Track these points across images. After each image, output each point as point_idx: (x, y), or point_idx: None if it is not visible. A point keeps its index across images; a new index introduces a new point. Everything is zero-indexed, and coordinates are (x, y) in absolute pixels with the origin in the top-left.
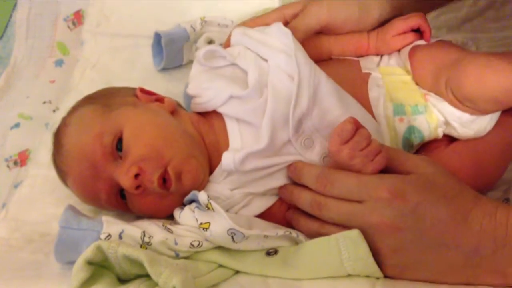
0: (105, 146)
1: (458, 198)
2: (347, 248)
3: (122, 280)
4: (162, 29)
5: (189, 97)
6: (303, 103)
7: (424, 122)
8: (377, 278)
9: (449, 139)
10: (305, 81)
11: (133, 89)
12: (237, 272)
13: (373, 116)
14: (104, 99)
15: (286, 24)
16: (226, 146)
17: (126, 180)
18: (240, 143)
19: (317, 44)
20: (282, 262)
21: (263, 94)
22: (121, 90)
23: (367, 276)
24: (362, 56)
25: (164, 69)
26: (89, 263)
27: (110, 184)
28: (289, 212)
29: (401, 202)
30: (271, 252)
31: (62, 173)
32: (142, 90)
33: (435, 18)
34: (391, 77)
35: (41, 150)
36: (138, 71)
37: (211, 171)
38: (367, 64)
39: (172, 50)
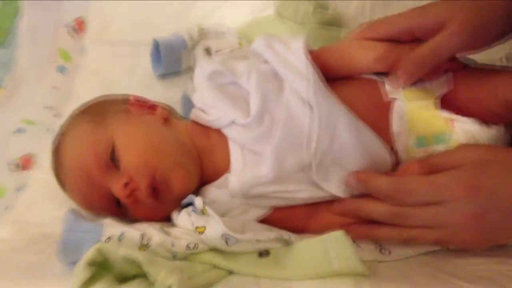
0: (99, 158)
1: None
2: (334, 248)
3: (121, 280)
4: (162, 36)
5: (188, 103)
6: (323, 142)
7: None
8: (364, 276)
9: None
10: (324, 117)
11: (126, 98)
12: (231, 272)
13: (393, 149)
14: (97, 110)
15: (412, 38)
16: (223, 161)
17: (116, 190)
18: (242, 166)
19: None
20: (274, 263)
21: (264, 121)
22: (114, 100)
23: (355, 275)
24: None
25: (162, 76)
26: (90, 264)
27: (106, 193)
28: (359, 228)
29: (477, 193)
30: (263, 254)
31: (61, 182)
32: (136, 99)
33: None
34: (415, 103)
35: (43, 155)
36: (138, 77)
37: (205, 179)
38: (389, 86)
39: (170, 57)
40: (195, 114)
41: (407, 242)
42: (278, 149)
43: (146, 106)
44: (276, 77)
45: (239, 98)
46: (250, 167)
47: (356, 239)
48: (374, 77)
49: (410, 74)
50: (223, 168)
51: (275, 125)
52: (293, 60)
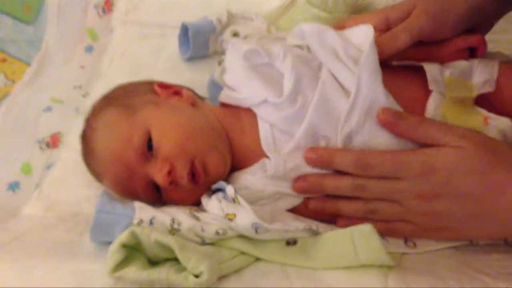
0: (136, 149)
1: (494, 172)
2: (360, 241)
3: (152, 262)
4: (188, 19)
5: (215, 87)
6: (353, 119)
7: None
8: (390, 268)
9: None
10: (361, 98)
11: (150, 84)
12: (258, 259)
13: None
14: (124, 100)
15: (387, 28)
16: (253, 142)
17: (160, 178)
18: (273, 145)
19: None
20: (301, 252)
21: (298, 103)
22: (139, 87)
23: (380, 266)
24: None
25: (189, 59)
26: (124, 246)
27: (146, 182)
28: (317, 201)
29: (433, 176)
30: (291, 242)
31: (97, 175)
32: (160, 85)
33: None
34: (454, 92)
35: (72, 134)
36: (164, 60)
37: (236, 162)
38: (435, 74)
39: (198, 41)
40: (225, 95)
41: (368, 214)
42: (309, 130)
43: (172, 91)
44: (312, 62)
45: (273, 79)
46: (280, 145)
47: (319, 211)
48: (420, 64)
49: (383, 46)
50: (253, 150)
51: (307, 107)
52: (341, 47)
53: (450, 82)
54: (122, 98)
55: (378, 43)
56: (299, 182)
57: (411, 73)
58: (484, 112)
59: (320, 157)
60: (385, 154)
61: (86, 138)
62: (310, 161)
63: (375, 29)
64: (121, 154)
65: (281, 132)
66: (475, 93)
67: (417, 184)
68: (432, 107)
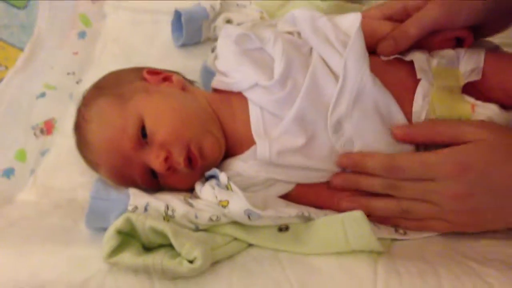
0: (131, 138)
1: None
2: (351, 226)
3: (146, 248)
4: (181, 6)
5: (207, 73)
6: (342, 105)
7: None
8: (379, 254)
9: None
10: (349, 84)
11: (139, 71)
12: (251, 245)
13: None
14: (115, 89)
15: (407, 16)
16: (244, 126)
17: (157, 165)
18: (262, 129)
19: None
20: (293, 238)
21: (288, 86)
22: (129, 75)
23: (370, 252)
24: None
25: (182, 46)
26: (119, 232)
27: (143, 168)
28: (349, 201)
29: (467, 173)
30: (283, 228)
31: (93, 165)
32: (149, 72)
33: None
34: (441, 81)
35: (66, 120)
36: (157, 46)
37: (228, 148)
38: (422, 63)
39: (191, 27)
40: (217, 80)
41: (402, 214)
42: (298, 114)
43: (161, 76)
44: (303, 47)
45: (264, 63)
46: (269, 128)
47: (358, 209)
48: (407, 59)
49: (396, 40)
50: (245, 136)
51: (298, 91)
52: (332, 33)
53: (438, 71)
54: (112, 87)
55: (391, 38)
56: (336, 179)
57: (399, 63)
58: (471, 100)
59: (353, 161)
60: (413, 157)
61: (79, 129)
62: (343, 165)
63: (394, 19)
64: (116, 144)
65: (271, 115)
66: (463, 81)
67: (451, 184)
68: (421, 95)
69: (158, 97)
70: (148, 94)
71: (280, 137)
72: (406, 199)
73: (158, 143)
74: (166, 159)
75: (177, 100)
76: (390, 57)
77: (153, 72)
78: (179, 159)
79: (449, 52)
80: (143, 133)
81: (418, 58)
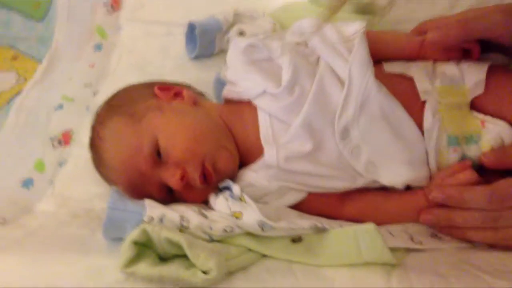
0: (146, 158)
1: None
2: (364, 239)
3: (162, 258)
4: (195, 18)
5: (220, 85)
6: (349, 112)
7: (478, 151)
8: (393, 266)
9: None
10: (355, 90)
11: (151, 87)
12: (264, 256)
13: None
14: (127, 107)
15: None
16: (254, 135)
17: (174, 183)
18: (271, 137)
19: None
20: (306, 249)
21: (295, 92)
22: (140, 92)
23: (383, 264)
24: (405, 57)
25: (196, 57)
26: (135, 243)
27: (159, 186)
28: (445, 230)
29: None
30: (296, 240)
31: (110, 181)
32: (160, 88)
33: None
34: (448, 99)
35: (83, 132)
36: (171, 58)
37: (241, 158)
38: (424, 84)
39: (205, 39)
40: (227, 90)
41: (499, 241)
42: (306, 120)
43: (173, 92)
44: (310, 57)
45: (272, 72)
46: (278, 135)
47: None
48: (410, 75)
49: (440, 32)
50: (256, 145)
51: (305, 97)
52: (338, 40)
53: (443, 89)
54: (125, 105)
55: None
56: (426, 215)
57: (402, 77)
58: (480, 115)
59: (447, 195)
60: None
61: (95, 147)
62: (437, 201)
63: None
64: (132, 163)
65: (280, 122)
66: (469, 97)
67: None
68: (430, 112)
69: (170, 115)
70: (161, 112)
71: (287, 143)
72: (504, 227)
73: (173, 162)
74: (182, 177)
75: (189, 117)
76: (395, 70)
77: (164, 88)
78: (194, 176)
79: (451, 70)
80: (158, 151)
81: (419, 79)
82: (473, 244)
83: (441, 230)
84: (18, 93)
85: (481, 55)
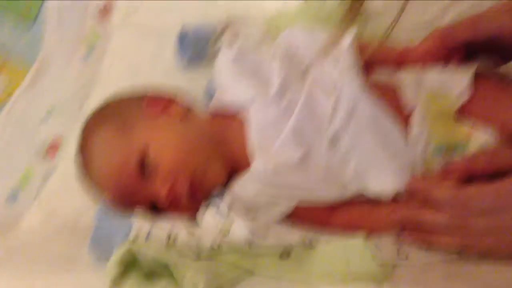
0: (134, 171)
1: None
2: (353, 254)
3: (149, 277)
4: (187, 24)
5: (211, 93)
6: (337, 120)
7: None
8: (382, 280)
9: None
10: (344, 97)
11: (139, 100)
12: (253, 273)
13: None
14: (116, 118)
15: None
16: (243, 145)
17: (161, 197)
18: (260, 145)
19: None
20: (295, 266)
21: (285, 101)
22: (129, 105)
23: (373, 278)
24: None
25: (188, 64)
26: (121, 262)
27: (145, 198)
28: (409, 233)
29: None
30: (284, 256)
31: (97, 192)
32: (149, 103)
33: None
34: (435, 107)
35: (70, 144)
36: (162, 65)
37: (230, 169)
38: (411, 93)
39: (196, 47)
40: (216, 99)
41: (463, 248)
42: (296, 127)
43: (161, 107)
44: (300, 65)
45: (261, 79)
46: (267, 145)
47: (411, 244)
48: (397, 84)
49: (444, 32)
50: (245, 156)
51: (295, 104)
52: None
53: (429, 98)
54: (115, 116)
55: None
56: (395, 215)
57: (392, 92)
58: (468, 123)
59: (417, 187)
60: (484, 188)
61: (82, 157)
62: (410, 188)
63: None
64: (120, 176)
65: (269, 130)
66: (456, 104)
67: None
68: (416, 122)
69: (157, 131)
70: (148, 128)
71: (276, 152)
72: (471, 235)
73: (160, 178)
74: (168, 194)
75: (177, 134)
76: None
77: (153, 102)
78: (181, 192)
79: (438, 78)
80: (146, 164)
81: (406, 86)
82: (460, 255)
83: (409, 234)
84: (7, 100)
85: (467, 60)
